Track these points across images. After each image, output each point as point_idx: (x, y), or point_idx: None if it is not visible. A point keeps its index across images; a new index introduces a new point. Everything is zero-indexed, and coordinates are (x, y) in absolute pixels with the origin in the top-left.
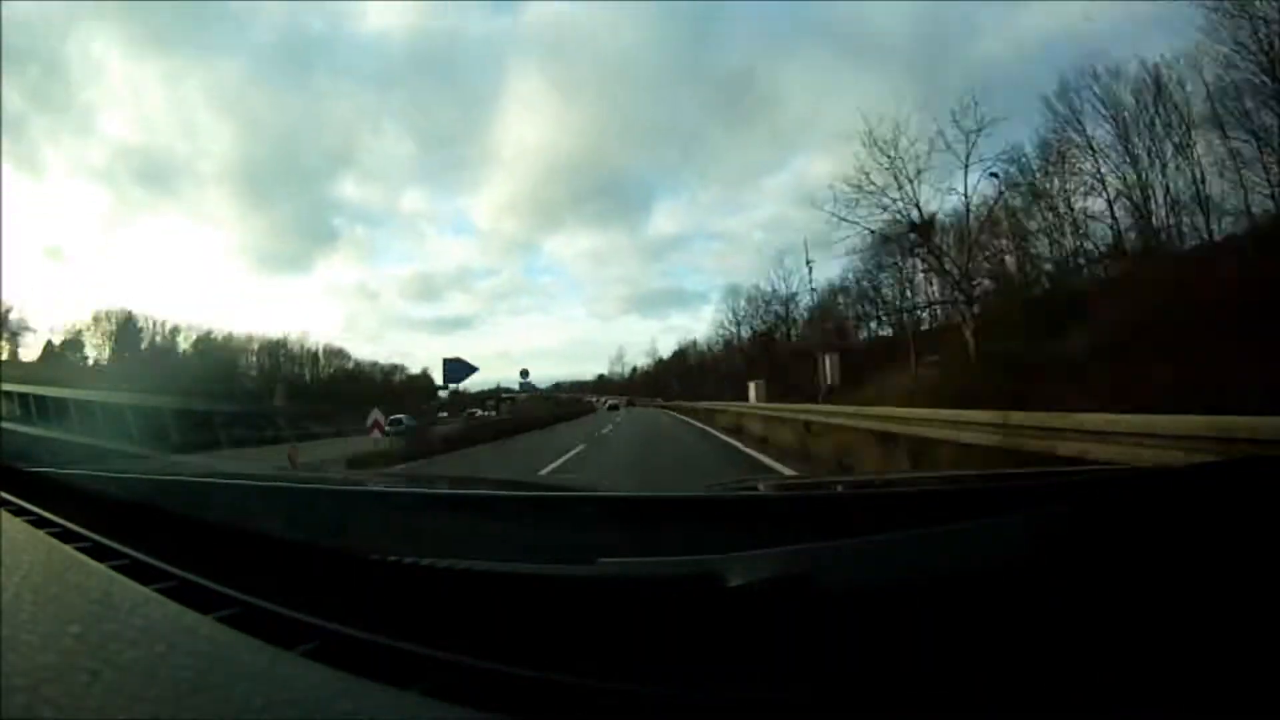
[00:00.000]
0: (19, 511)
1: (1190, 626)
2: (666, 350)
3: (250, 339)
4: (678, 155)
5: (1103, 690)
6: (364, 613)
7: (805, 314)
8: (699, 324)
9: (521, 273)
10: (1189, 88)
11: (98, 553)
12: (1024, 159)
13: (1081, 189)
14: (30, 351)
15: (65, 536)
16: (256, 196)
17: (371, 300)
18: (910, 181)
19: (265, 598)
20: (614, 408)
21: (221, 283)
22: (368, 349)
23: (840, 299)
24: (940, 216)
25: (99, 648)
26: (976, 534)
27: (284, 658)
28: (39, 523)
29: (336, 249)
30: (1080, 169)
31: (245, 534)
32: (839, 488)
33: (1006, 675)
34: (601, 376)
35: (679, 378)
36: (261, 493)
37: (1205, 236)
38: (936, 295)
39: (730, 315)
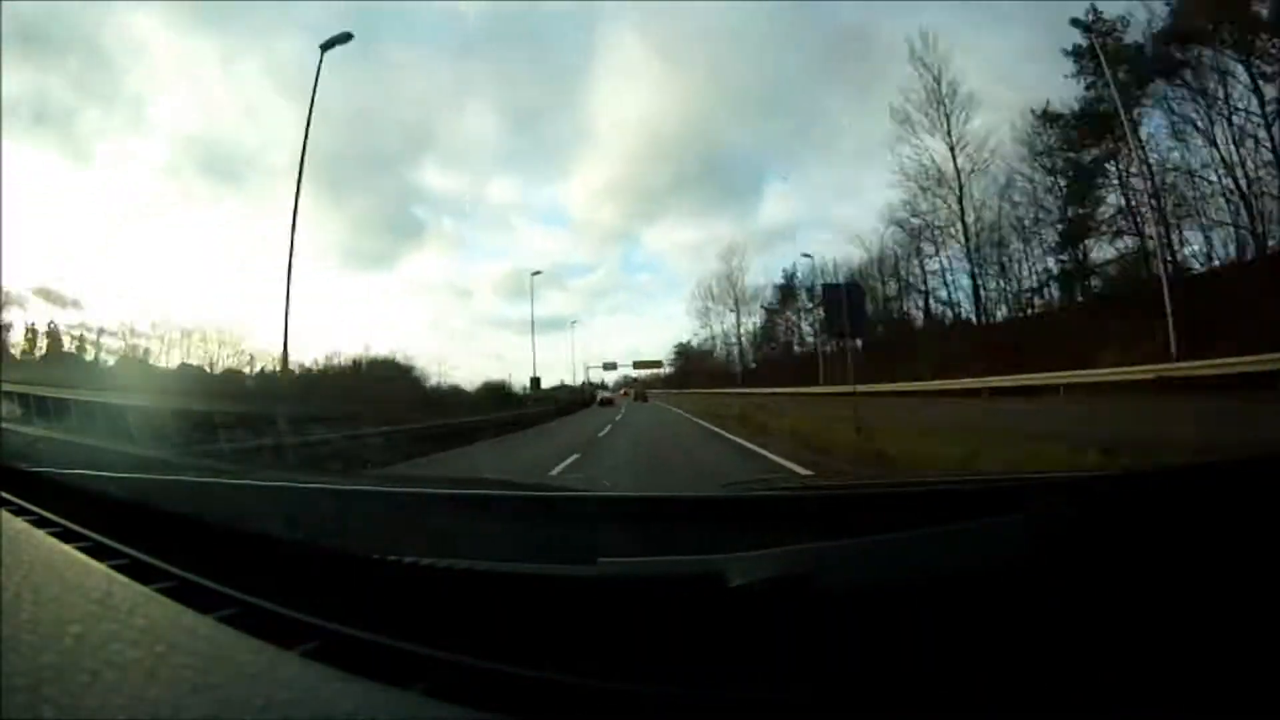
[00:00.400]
0: (19, 511)
1: (1190, 626)
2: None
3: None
4: (790, 129)
5: (1103, 690)
6: (364, 613)
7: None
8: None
9: (619, 268)
10: None
11: (98, 552)
12: None
13: None
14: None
15: (65, 536)
16: (333, 188)
17: (462, 299)
18: None
19: (265, 598)
20: (607, 402)
21: (305, 281)
22: (462, 350)
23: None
24: None
25: (99, 647)
26: (976, 534)
27: (284, 658)
28: (39, 522)
29: (422, 244)
30: None
31: (245, 534)
32: (839, 488)
33: (1006, 675)
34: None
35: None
36: (261, 493)
37: None
38: None
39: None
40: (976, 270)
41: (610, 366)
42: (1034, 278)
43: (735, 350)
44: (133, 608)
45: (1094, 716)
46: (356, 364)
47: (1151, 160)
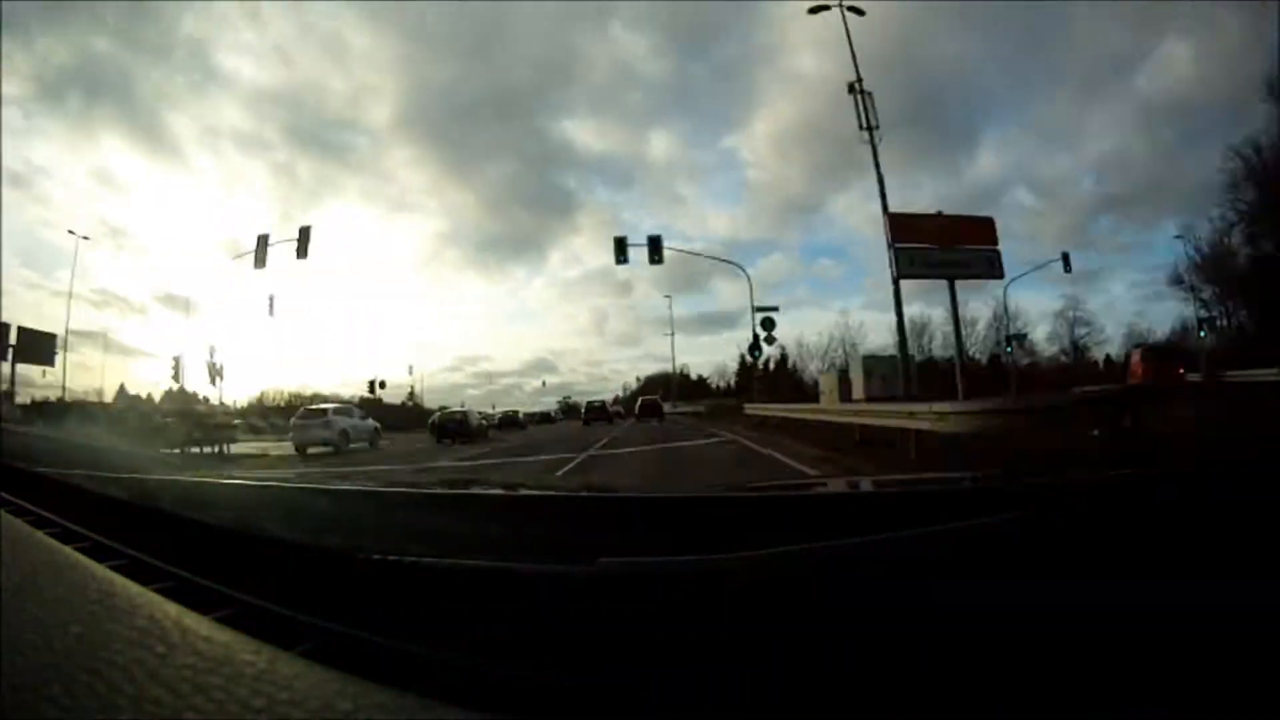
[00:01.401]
0: (19, 512)
1: (1190, 627)
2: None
3: None
4: (1013, 46)
5: (1102, 690)
6: (363, 612)
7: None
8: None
9: (798, 250)
10: None
11: (97, 553)
12: None
13: None
14: None
15: (65, 537)
16: (456, 149)
17: (623, 293)
18: None
19: (264, 598)
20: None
21: (428, 275)
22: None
23: None
24: None
25: (100, 647)
26: (976, 534)
27: (282, 657)
28: (39, 523)
29: (574, 224)
30: None
31: (244, 534)
32: (839, 489)
33: (1005, 675)
34: None
35: None
36: (260, 493)
37: None
38: None
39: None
40: None
41: None
42: None
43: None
44: (133, 608)
45: (1093, 716)
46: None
47: None
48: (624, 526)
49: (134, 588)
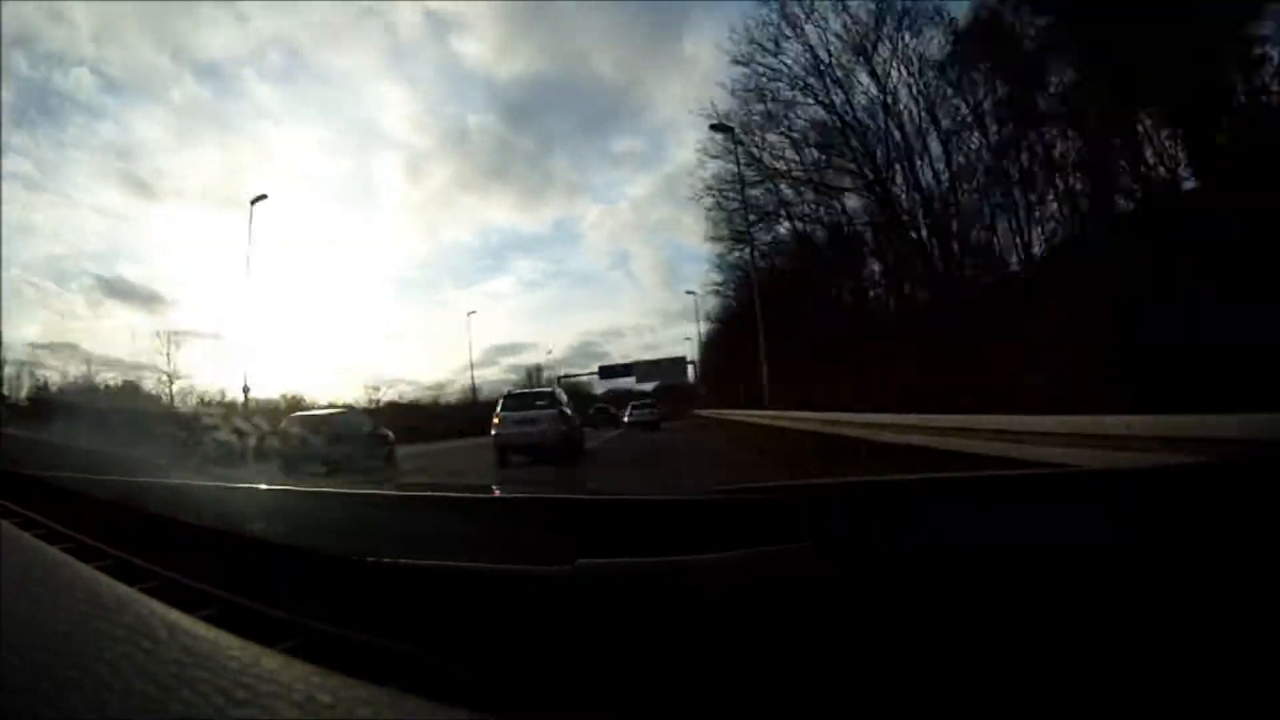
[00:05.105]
0: (6, 513)
1: (1189, 627)
2: None
3: None
4: None
5: (1101, 691)
6: (344, 611)
7: None
8: None
9: None
10: None
11: (83, 553)
12: None
13: None
14: None
15: (51, 538)
16: None
17: None
18: None
19: (247, 597)
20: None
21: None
22: None
23: None
24: None
25: (87, 645)
26: (962, 532)
27: (266, 654)
28: (26, 524)
29: None
30: None
31: (227, 535)
32: (820, 489)
33: (1001, 675)
34: None
35: None
36: (242, 495)
37: None
38: None
39: None
40: None
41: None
42: None
43: None
44: (119, 606)
45: (1093, 717)
46: None
47: None
48: (601, 528)
49: (120, 587)
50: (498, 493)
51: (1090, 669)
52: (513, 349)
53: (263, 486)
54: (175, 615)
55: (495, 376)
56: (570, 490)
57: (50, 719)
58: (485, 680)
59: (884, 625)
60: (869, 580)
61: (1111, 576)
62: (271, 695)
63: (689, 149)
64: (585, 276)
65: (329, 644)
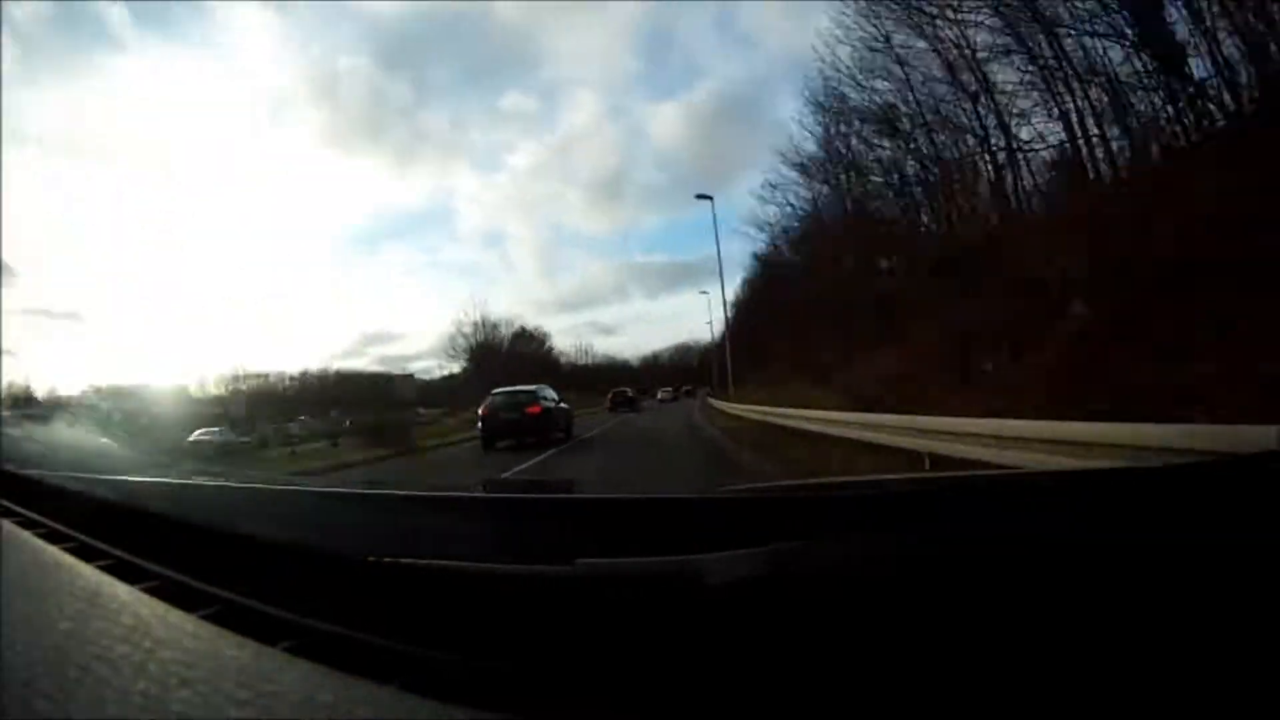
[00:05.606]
0: (7, 512)
1: (1189, 627)
2: None
3: None
4: None
5: (1100, 692)
6: (344, 611)
7: None
8: None
9: None
10: None
11: (85, 553)
12: None
13: None
14: None
15: (53, 537)
16: None
17: None
18: None
19: (248, 596)
20: None
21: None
22: None
23: None
24: None
25: (88, 644)
26: (961, 532)
27: (266, 653)
28: (27, 523)
29: None
30: None
31: (228, 534)
32: (820, 489)
33: (998, 676)
34: None
35: None
36: (243, 494)
37: None
38: None
39: None
40: None
41: None
42: None
43: None
44: (120, 606)
45: (1093, 717)
46: None
47: None
48: (601, 527)
49: (121, 586)
50: (495, 492)
51: (1094, 670)
52: (382, 338)
53: (264, 486)
54: (175, 615)
55: (366, 367)
56: (570, 487)
57: (50, 719)
58: (485, 680)
59: (885, 625)
60: (871, 579)
61: (1120, 577)
62: (271, 695)
63: (585, 113)
64: (462, 264)
65: (329, 643)
